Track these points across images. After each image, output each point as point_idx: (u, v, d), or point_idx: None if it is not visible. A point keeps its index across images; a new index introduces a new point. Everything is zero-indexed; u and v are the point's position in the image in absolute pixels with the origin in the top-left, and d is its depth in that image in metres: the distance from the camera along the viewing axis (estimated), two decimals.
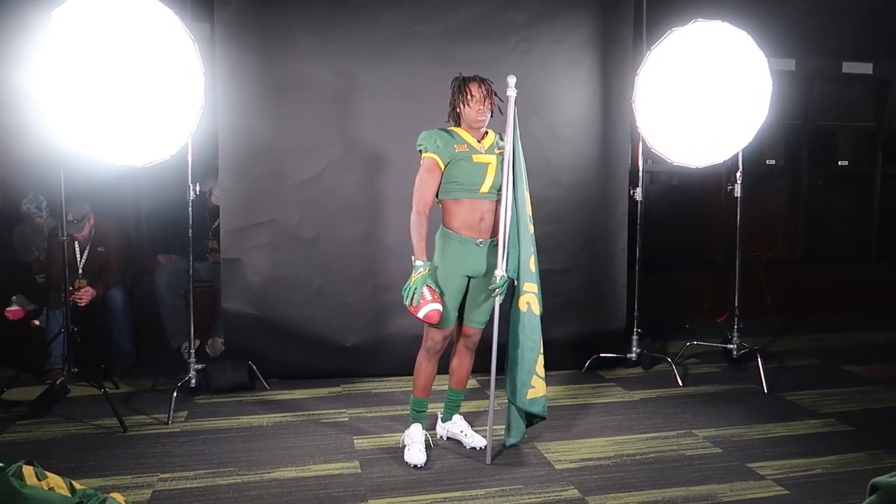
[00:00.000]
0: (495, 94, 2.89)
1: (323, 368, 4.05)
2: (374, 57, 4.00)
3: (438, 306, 2.75)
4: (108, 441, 3.18)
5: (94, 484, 2.62)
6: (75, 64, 3.13)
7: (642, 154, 4.29)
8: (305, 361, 4.05)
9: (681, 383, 4.00)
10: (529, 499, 2.61)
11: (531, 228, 2.91)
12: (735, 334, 4.17)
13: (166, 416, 3.40)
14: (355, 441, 3.17)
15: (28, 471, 2.42)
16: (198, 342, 3.83)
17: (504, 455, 3.02)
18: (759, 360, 3.98)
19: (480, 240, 2.85)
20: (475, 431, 3.15)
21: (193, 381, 3.65)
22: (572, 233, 4.24)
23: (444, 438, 3.19)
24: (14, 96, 4.00)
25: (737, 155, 4.03)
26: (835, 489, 2.68)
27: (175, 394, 3.48)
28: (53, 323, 4.07)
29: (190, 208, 3.68)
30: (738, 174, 4.11)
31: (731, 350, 4.19)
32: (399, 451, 3.03)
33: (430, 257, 2.85)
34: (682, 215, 5.89)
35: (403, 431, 3.15)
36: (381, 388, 3.97)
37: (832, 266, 6.28)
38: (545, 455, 3.02)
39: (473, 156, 2.84)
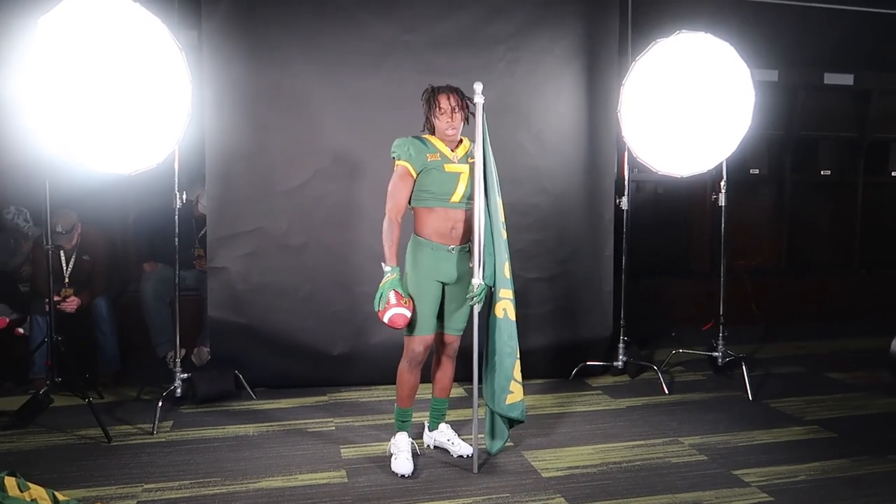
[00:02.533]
0: (469, 102, 2.89)
1: (310, 377, 4.04)
2: (362, 66, 4.02)
3: (403, 311, 2.76)
4: (91, 451, 3.15)
5: (78, 495, 2.60)
6: (62, 71, 3.11)
7: (628, 163, 4.33)
8: (292, 370, 4.04)
9: (667, 391, 4.02)
10: None
11: (504, 235, 2.93)
12: (720, 342, 4.20)
13: (151, 425, 3.37)
14: (342, 450, 3.17)
15: (10, 482, 2.40)
16: (184, 351, 3.80)
17: (491, 463, 3.02)
18: (743, 367, 4.02)
19: (452, 246, 2.88)
20: (462, 440, 3.14)
21: (179, 390, 3.63)
22: (559, 240, 4.27)
23: (432, 447, 3.18)
24: (0, 104, 3.98)
25: (721, 164, 4.08)
26: (819, 496, 2.71)
27: (160, 403, 3.46)
28: (37, 332, 4.03)
29: (176, 216, 3.66)
30: (723, 183, 4.15)
31: (716, 358, 4.22)
32: (386, 459, 3.02)
33: (400, 263, 2.87)
34: (667, 224, 5.94)
35: (390, 440, 3.16)
36: (368, 397, 3.96)
37: (816, 274, 6.35)
38: (532, 463, 3.03)
39: (446, 165, 2.86)
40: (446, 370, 3.11)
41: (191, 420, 3.54)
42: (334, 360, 4.02)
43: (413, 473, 2.88)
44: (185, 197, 3.69)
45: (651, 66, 3.97)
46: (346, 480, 2.85)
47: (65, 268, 4.14)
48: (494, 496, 2.71)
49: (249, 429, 3.44)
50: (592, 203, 4.35)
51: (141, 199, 4.86)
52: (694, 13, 4.87)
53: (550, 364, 4.25)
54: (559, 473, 2.92)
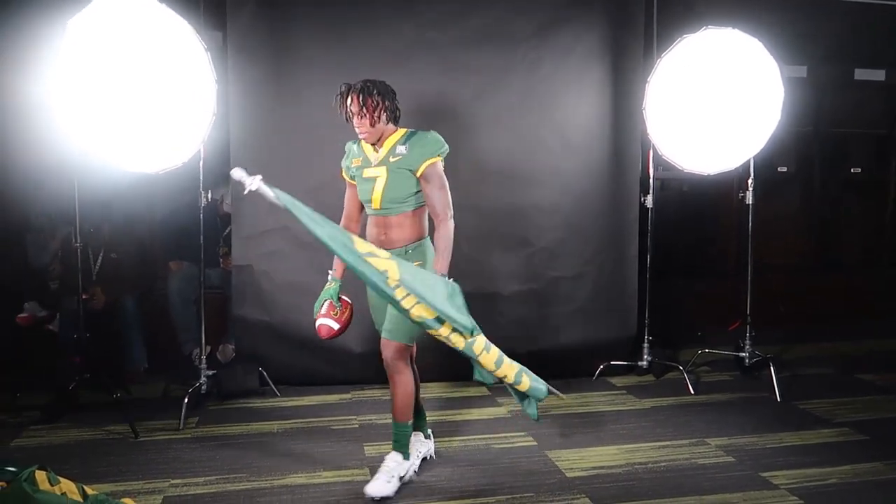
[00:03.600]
0: (382, 100, 2.67)
1: (333, 375, 4.06)
2: (384, 65, 3.99)
3: (329, 322, 2.72)
4: (119, 446, 3.19)
5: (106, 489, 2.62)
6: (90, 72, 3.16)
7: (653, 161, 4.28)
8: (315, 368, 4.05)
9: (692, 391, 3.97)
10: None
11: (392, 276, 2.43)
12: (747, 342, 4.14)
13: (177, 421, 3.41)
14: (366, 448, 3.17)
15: (41, 476, 2.44)
16: (209, 348, 3.84)
17: (514, 462, 3.01)
18: (771, 368, 3.95)
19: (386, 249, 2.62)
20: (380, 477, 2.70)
21: (204, 387, 3.66)
22: (583, 240, 4.23)
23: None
24: (29, 105, 4.05)
25: (748, 162, 4.02)
26: (850, 499, 2.65)
27: (186, 400, 3.49)
28: (66, 329, 4.09)
29: (201, 215, 3.70)
30: (750, 181, 4.09)
31: (743, 358, 4.16)
32: None
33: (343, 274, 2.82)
34: (692, 222, 5.86)
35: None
36: (388, 395, 3.95)
37: (845, 273, 6.22)
38: (556, 463, 3.01)
39: (364, 170, 2.74)
40: (393, 387, 2.79)
41: (216, 416, 3.58)
42: (357, 358, 4.02)
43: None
44: (210, 196, 3.73)
45: (677, 62, 3.92)
46: (369, 478, 2.84)
47: (93, 265, 4.20)
48: (518, 495, 2.69)
49: (274, 426, 3.46)
50: (617, 202, 4.31)
51: (167, 199, 4.91)
52: (721, 8, 4.78)
53: (574, 364, 4.22)
54: (584, 473, 2.90)
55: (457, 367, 4.11)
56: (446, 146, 2.79)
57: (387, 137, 2.75)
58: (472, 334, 2.50)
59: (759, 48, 3.75)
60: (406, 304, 2.40)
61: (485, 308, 4.11)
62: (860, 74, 5.92)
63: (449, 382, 4.13)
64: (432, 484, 2.79)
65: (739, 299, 4.29)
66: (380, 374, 4.07)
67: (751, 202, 4.11)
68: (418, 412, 2.97)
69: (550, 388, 2.69)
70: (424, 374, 4.10)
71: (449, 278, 2.60)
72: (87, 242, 4.08)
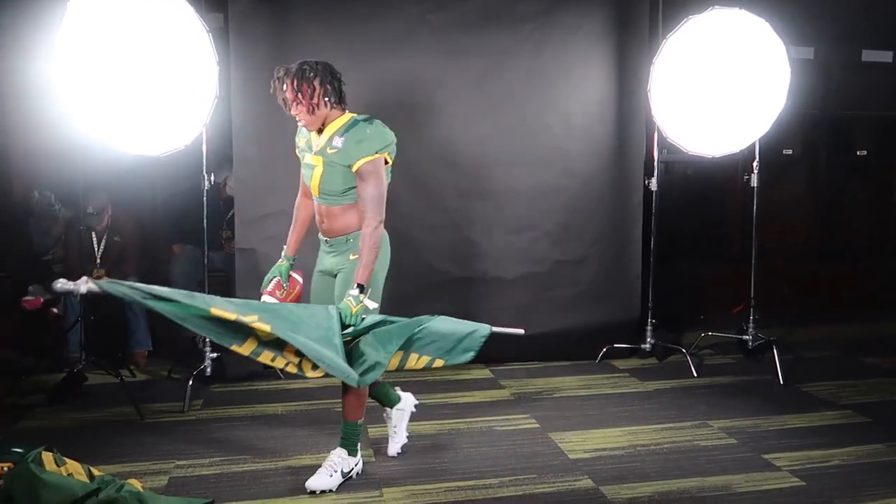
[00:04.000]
0: (322, 83, 2.51)
1: None
2: (386, 47, 3.99)
3: (270, 300, 2.70)
4: (125, 428, 3.21)
5: (112, 470, 2.65)
6: (91, 54, 3.15)
7: (658, 144, 4.26)
8: None
9: (695, 374, 3.97)
10: (543, 488, 2.61)
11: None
12: (751, 325, 4.14)
13: (182, 404, 3.43)
14: (369, 429, 3.18)
15: (47, 457, 2.46)
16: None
17: (516, 444, 3.02)
18: (774, 351, 3.95)
19: (325, 238, 2.68)
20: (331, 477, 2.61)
21: (209, 369, 3.67)
22: (586, 223, 4.22)
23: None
24: (30, 87, 4.04)
25: (754, 144, 3.99)
26: (852, 481, 2.66)
27: (191, 382, 3.51)
28: (71, 312, 4.10)
29: (205, 198, 3.69)
30: (755, 164, 4.06)
31: (746, 341, 4.15)
32: (412, 438, 3.04)
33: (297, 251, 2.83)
34: (697, 205, 5.83)
35: (415, 421, 3.18)
36: (395, 377, 3.96)
37: (850, 257, 6.20)
38: (559, 444, 3.02)
39: (305, 155, 2.64)
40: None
41: (221, 399, 3.59)
42: None
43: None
44: (212, 179, 3.72)
45: (683, 43, 3.88)
46: (373, 459, 2.87)
47: (96, 249, 4.20)
48: (520, 477, 2.70)
49: (278, 408, 3.48)
50: (621, 185, 4.30)
51: (169, 182, 4.90)
52: None
53: (577, 346, 4.23)
54: (586, 455, 2.91)
55: None
56: (391, 141, 2.58)
57: (329, 122, 2.57)
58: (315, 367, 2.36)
59: (766, 29, 3.71)
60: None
61: (488, 291, 4.13)
62: (868, 56, 5.86)
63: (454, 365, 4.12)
64: (436, 466, 2.81)
65: (743, 282, 4.28)
66: None
67: (755, 185, 4.09)
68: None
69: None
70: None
71: (365, 291, 2.49)
72: (90, 226, 4.09)
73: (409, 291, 4.05)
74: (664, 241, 4.40)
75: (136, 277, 4.30)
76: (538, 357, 4.22)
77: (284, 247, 2.84)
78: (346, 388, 2.62)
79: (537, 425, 3.24)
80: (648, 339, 4.27)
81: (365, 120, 2.59)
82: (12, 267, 4.71)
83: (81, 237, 3.78)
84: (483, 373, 4.06)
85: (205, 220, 3.72)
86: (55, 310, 4.32)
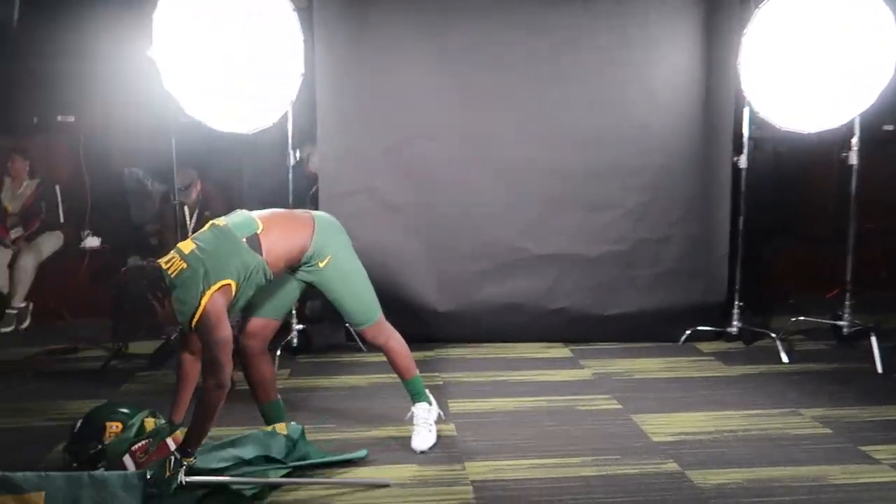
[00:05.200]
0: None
1: (416, 333, 4.05)
2: (466, 22, 3.97)
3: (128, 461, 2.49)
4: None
5: (219, 433, 2.76)
6: (183, 35, 3.26)
7: (747, 119, 4.07)
8: (399, 325, 4.06)
9: (786, 360, 3.82)
10: (627, 469, 2.59)
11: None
12: (846, 310, 3.94)
13: None
14: (450, 404, 3.23)
15: (149, 423, 2.61)
16: (297, 304, 3.97)
17: (598, 424, 3.00)
18: (872, 338, 3.76)
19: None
20: (430, 431, 2.78)
21: (295, 340, 3.81)
22: (670, 201, 4.10)
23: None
24: (127, 69, 4.23)
25: (853, 120, 3.76)
26: None
27: (279, 353, 3.64)
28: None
29: (290, 174, 3.79)
30: (855, 140, 3.84)
31: (841, 327, 3.97)
32: (493, 414, 3.07)
33: None
34: (788, 183, 5.56)
35: (496, 398, 3.21)
36: (473, 354, 4.01)
37: None
38: (641, 427, 2.98)
39: None
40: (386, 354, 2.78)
41: (306, 369, 3.72)
42: (441, 316, 4.08)
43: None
44: (297, 155, 3.81)
45: (777, 12, 3.68)
46: (455, 434, 2.91)
47: (189, 222, 4.39)
48: (602, 457, 2.68)
49: (361, 380, 3.57)
50: (707, 162, 4.15)
51: (255, 158, 5.06)
52: None
53: (658, 328, 4.14)
54: (670, 438, 2.86)
55: (540, 328, 4.14)
56: (193, 298, 2.24)
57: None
58: None
59: None
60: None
61: (566, 270, 4.09)
62: None
63: (532, 343, 4.13)
64: (517, 443, 2.82)
65: (837, 266, 4.08)
66: (463, 332, 4.16)
67: (855, 163, 3.87)
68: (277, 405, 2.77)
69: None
70: (510, 335, 4.16)
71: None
72: (182, 200, 4.27)
73: (487, 268, 4.07)
74: (752, 221, 4.22)
75: None
76: (619, 338, 4.16)
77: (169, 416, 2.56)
78: (388, 356, 2.75)
79: (619, 406, 3.21)
80: (735, 322, 4.14)
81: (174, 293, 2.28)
82: (113, 239, 5.00)
83: (175, 211, 3.96)
84: (563, 352, 4.04)
85: (290, 196, 3.83)
86: None
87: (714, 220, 4.16)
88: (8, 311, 4.57)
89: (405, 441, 2.81)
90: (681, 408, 3.19)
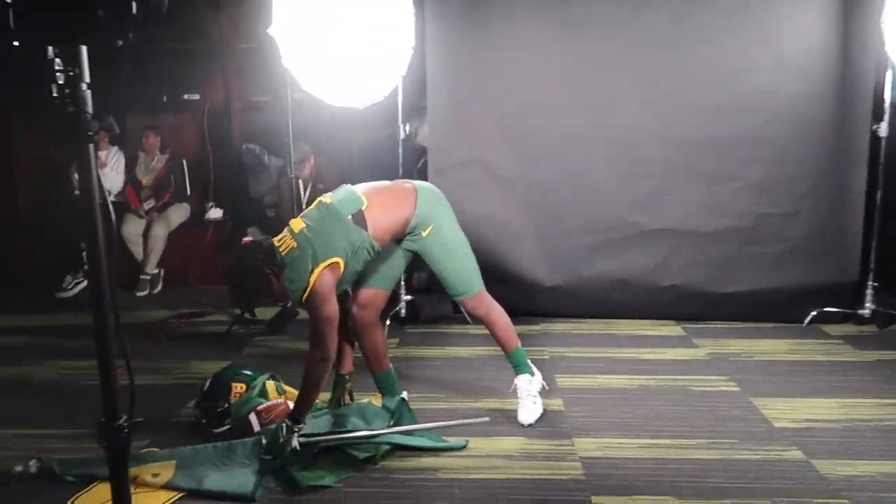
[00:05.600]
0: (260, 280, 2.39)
1: (522, 307, 4.06)
2: None
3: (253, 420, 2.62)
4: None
5: (323, 397, 2.89)
6: (300, 12, 3.34)
7: (890, 83, 3.71)
8: (504, 298, 4.03)
9: None
10: (746, 454, 2.47)
11: None
12: None
13: None
14: (557, 379, 3.19)
15: (270, 386, 2.74)
16: (405, 275, 4.05)
17: (714, 406, 2.88)
18: None
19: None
20: (534, 403, 2.76)
21: (403, 311, 3.88)
22: (799, 173, 3.84)
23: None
24: (252, 50, 4.42)
25: None
26: None
27: (388, 322, 3.73)
28: None
29: (400, 147, 3.84)
30: None
31: None
32: (602, 391, 3.01)
33: None
34: None
35: (604, 374, 3.15)
36: (581, 329, 3.95)
37: None
38: (762, 411, 2.83)
39: None
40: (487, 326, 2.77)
41: (414, 339, 3.79)
42: (547, 291, 4.04)
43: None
44: (407, 128, 3.84)
45: None
46: (563, 409, 2.88)
47: (303, 195, 4.55)
48: (720, 440, 2.58)
49: (468, 351, 3.60)
50: (842, 130, 3.83)
51: (365, 132, 5.17)
52: None
53: (781, 308, 3.91)
54: (794, 425, 2.70)
55: (650, 304, 4.01)
56: (305, 275, 2.32)
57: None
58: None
59: None
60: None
61: (680, 246, 3.92)
62: None
63: (641, 320, 4.01)
64: (627, 421, 2.76)
65: None
66: (570, 307, 4.10)
67: None
68: (390, 375, 2.82)
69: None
70: (617, 311, 4.05)
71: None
72: (297, 174, 4.43)
73: (596, 243, 3.97)
74: (891, 194, 3.87)
75: None
76: (736, 317, 3.96)
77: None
78: (490, 328, 2.74)
79: (737, 388, 3.06)
80: (868, 304, 3.84)
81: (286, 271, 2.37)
82: (233, 211, 5.28)
83: (291, 185, 4.11)
84: (674, 330, 3.90)
85: (400, 169, 3.88)
86: None
87: (848, 193, 3.86)
88: (142, 277, 4.94)
89: (511, 414, 2.81)
90: (806, 393, 3.00)
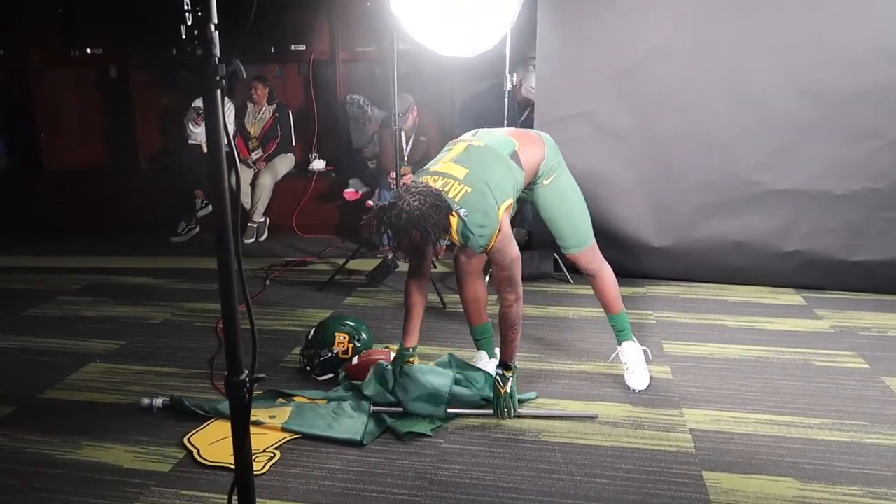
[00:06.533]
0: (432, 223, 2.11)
1: (627, 267, 3.91)
2: None
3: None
4: (430, 314, 3.48)
5: (423, 352, 2.90)
6: None
7: None
8: (609, 258, 3.93)
9: None
10: (878, 439, 2.27)
11: None
12: None
13: None
14: (664, 345, 3.05)
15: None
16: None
17: (840, 384, 2.66)
18: None
19: None
20: (648, 370, 2.68)
21: None
22: None
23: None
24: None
25: None
26: None
27: (487, 279, 3.66)
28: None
29: (506, 99, 3.71)
30: None
31: None
32: (713, 360, 2.85)
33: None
34: None
35: (717, 343, 2.98)
36: (689, 293, 3.75)
37: None
38: (894, 391, 2.59)
39: None
40: (597, 284, 2.68)
41: None
42: (655, 252, 3.85)
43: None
44: (514, 80, 3.70)
45: None
46: (670, 377, 2.74)
47: (405, 147, 4.52)
48: (847, 422, 2.38)
49: (569, 311, 3.50)
50: None
51: (468, 83, 5.06)
52: None
53: None
54: None
55: (768, 270, 3.75)
56: (494, 218, 2.21)
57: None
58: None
59: None
60: None
61: (807, 208, 3.63)
62: None
63: (757, 287, 3.77)
64: (741, 394, 2.60)
65: None
66: (679, 270, 3.91)
67: None
68: (484, 328, 2.77)
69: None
70: (731, 276, 3.82)
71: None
72: (400, 126, 4.39)
73: (713, 202, 3.74)
74: None
75: None
76: (866, 287, 3.64)
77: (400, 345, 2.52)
78: (597, 286, 2.67)
79: (866, 366, 2.81)
80: None
81: (466, 217, 2.18)
82: (336, 163, 5.34)
83: (393, 136, 4.08)
84: (794, 299, 3.63)
85: (505, 121, 3.76)
86: (371, 202, 4.81)
87: None
88: (249, 224, 5.12)
89: (617, 379, 2.71)
90: None
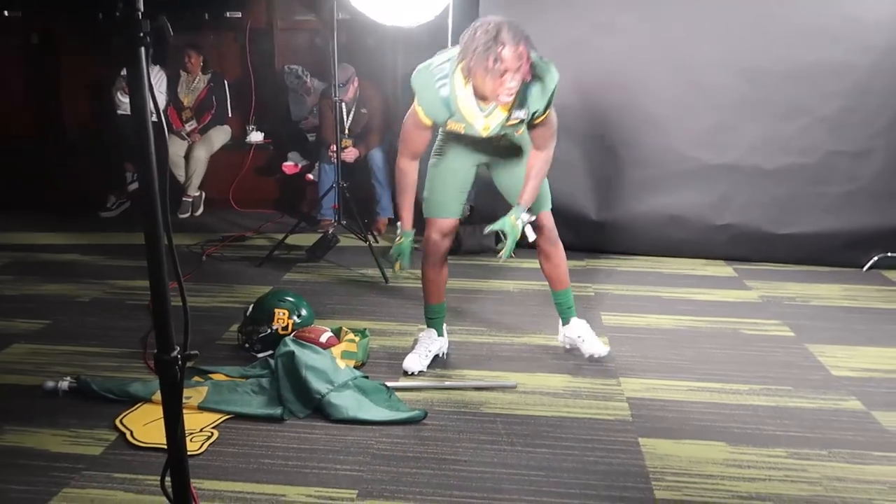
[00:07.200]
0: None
1: (567, 241, 3.94)
2: None
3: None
4: (372, 289, 3.47)
5: (364, 324, 2.88)
6: None
7: None
8: None
9: None
10: (801, 402, 2.38)
11: None
12: None
13: (420, 272, 3.60)
14: (602, 317, 3.12)
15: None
16: None
17: (767, 351, 2.77)
18: None
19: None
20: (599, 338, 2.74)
21: None
22: (877, 108, 3.56)
23: (567, 346, 2.77)
24: None
25: None
26: None
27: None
28: (325, 178, 4.44)
29: None
30: None
31: None
32: (649, 333, 2.93)
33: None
34: None
35: (651, 314, 3.05)
36: (627, 266, 3.84)
37: None
38: (818, 358, 2.72)
39: (468, 135, 2.39)
40: (549, 258, 2.73)
41: (457, 271, 3.70)
42: (594, 225, 3.91)
43: (419, 373, 2.57)
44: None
45: None
46: (608, 347, 2.80)
47: (346, 119, 4.43)
48: (774, 387, 2.48)
49: (510, 285, 3.53)
50: None
51: (410, 56, 4.98)
52: None
53: (840, 252, 3.74)
54: (853, 374, 2.59)
55: (702, 243, 3.86)
56: (557, 80, 2.32)
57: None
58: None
59: None
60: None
61: (739, 183, 3.74)
62: None
63: (691, 259, 3.89)
64: (675, 363, 2.68)
65: None
66: (618, 243, 3.98)
67: None
68: (441, 307, 2.74)
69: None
70: (667, 248, 3.92)
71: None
72: (340, 97, 4.30)
73: (651, 176, 3.81)
74: None
75: (381, 148, 4.52)
76: (791, 259, 3.80)
77: (399, 224, 2.60)
78: (552, 260, 2.72)
79: (792, 334, 2.94)
80: None
81: (533, 79, 2.24)
82: (274, 135, 5.20)
83: (334, 108, 3.99)
84: (725, 270, 3.76)
85: None
86: (311, 176, 4.71)
87: None
88: (184, 199, 4.94)
89: (556, 351, 2.76)
90: (866, 341, 2.87)
